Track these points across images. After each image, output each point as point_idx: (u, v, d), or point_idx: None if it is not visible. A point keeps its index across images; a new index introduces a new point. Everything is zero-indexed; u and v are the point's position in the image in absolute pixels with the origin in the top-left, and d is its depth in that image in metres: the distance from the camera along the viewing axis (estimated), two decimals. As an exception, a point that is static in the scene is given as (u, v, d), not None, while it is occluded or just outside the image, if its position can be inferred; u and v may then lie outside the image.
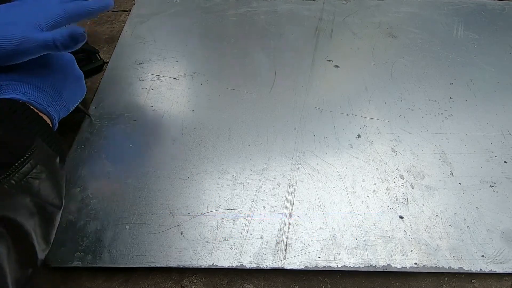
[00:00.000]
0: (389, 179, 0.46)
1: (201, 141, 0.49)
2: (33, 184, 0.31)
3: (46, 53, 0.36)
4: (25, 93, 0.37)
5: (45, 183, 0.32)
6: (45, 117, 0.37)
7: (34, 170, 0.31)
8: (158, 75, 0.57)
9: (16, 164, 0.30)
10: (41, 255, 0.32)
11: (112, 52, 0.61)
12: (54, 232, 0.35)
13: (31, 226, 0.30)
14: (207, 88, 0.56)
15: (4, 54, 0.34)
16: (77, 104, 0.43)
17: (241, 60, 0.60)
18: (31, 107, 0.36)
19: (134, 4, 0.70)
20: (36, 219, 0.31)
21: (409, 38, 0.65)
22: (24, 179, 0.30)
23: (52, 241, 0.34)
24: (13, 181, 0.29)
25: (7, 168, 0.29)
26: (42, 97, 0.38)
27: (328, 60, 0.60)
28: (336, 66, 0.59)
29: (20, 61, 0.36)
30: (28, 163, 0.31)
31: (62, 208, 0.36)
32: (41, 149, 0.33)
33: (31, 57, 0.36)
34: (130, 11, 0.69)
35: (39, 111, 0.37)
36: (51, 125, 0.38)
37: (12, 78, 0.37)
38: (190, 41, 0.63)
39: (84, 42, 0.37)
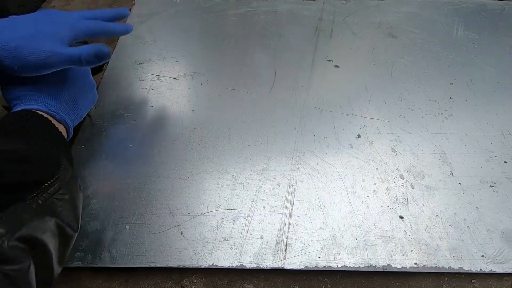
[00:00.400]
0: (389, 179, 0.46)
1: (201, 141, 0.49)
2: (57, 205, 0.31)
3: (67, 66, 0.37)
4: (46, 104, 0.37)
5: (67, 205, 0.33)
6: (61, 128, 0.38)
7: (60, 191, 0.32)
8: (158, 75, 0.57)
9: (46, 184, 0.30)
10: (55, 275, 0.32)
11: (112, 52, 0.61)
12: (67, 255, 0.35)
13: (53, 247, 0.31)
14: (207, 88, 0.56)
15: (31, 67, 0.35)
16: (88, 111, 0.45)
17: (241, 60, 0.60)
18: (50, 118, 0.36)
19: (134, 4, 0.70)
20: (57, 240, 0.31)
21: (409, 38, 0.65)
22: (50, 199, 0.31)
23: (64, 264, 0.34)
24: (40, 201, 0.30)
25: (36, 188, 0.30)
26: (61, 108, 0.39)
27: (328, 60, 0.60)
28: (336, 66, 0.59)
29: (44, 73, 0.36)
30: (56, 184, 0.31)
31: (78, 232, 0.36)
32: (67, 170, 0.33)
33: (54, 70, 0.36)
34: (130, 11, 0.69)
35: (57, 121, 0.38)
36: (66, 135, 0.39)
37: (31, 88, 0.37)
38: (190, 41, 0.63)
39: (108, 59, 0.38)
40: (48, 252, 0.30)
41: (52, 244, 0.30)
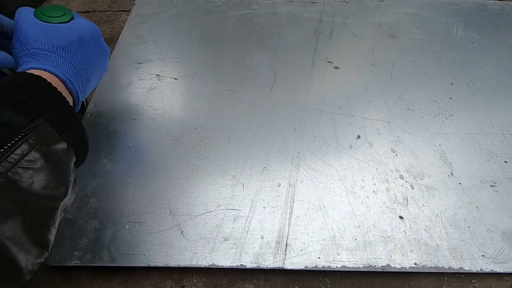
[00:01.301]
0: (388, 179, 0.46)
1: (201, 141, 0.49)
2: (23, 176, 0.25)
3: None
4: (62, 69, 0.35)
5: (40, 174, 0.27)
6: (69, 98, 0.36)
7: (26, 157, 0.26)
8: (158, 75, 0.57)
9: (2, 150, 0.24)
10: (31, 264, 0.26)
11: (112, 52, 0.61)
12: (52, 230, 0.29)
13: (6, 232, 0.24)
14: (207, 89, 0.56)
15: None
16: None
17: (241, 61, 0.60)
18: (55, 83, 0.32)
19: (134, 4, 0.70)
20: (17, 220, 0.25)
21: (409, 39, 0.65)
22: (12, 169, 0.25)
23: (51, 241, 0.29)
24: None
25: None
26: (75, 77, 0.37)
27: (328, 61, 0.60)
28: (336, 67, 0.59)
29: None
30: (19, 149, 0.25)
31: (69, 198, 0.30)
32: (40, 131, 0.27)
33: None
34: (130, 11, 0.69)
35: (69, 90, 0.36)
36: (71, 106, 0.35)
37: (51, 48, 0.36)
38: (191, 42, 0.63)
39: None
40: (8, 257, 0.24)
41: (10, 229, 0.24)
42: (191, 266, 0.39)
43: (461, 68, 0.60)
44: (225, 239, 0.40)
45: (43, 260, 0.27)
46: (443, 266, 0.39)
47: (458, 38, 0.65)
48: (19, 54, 0.35)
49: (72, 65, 0.36)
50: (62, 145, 0.30)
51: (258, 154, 0.48)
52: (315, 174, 0.46)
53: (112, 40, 0.64)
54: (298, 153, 0.48)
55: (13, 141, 0.25)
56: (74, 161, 0.32)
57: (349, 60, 0.61)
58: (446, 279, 0.40)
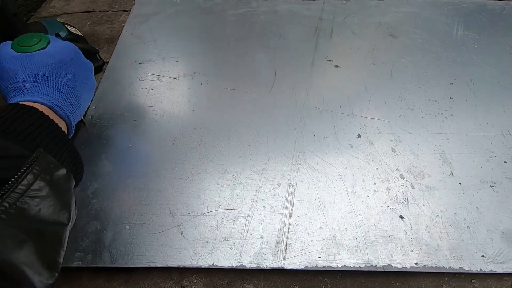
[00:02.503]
0: (389, 179, 0.46)
1: (201, 141, 0.49)
2: (31, 205, 0.27)
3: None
4: (48, 96, 0.36)
5: (46, 201, 0.28)
6: (62, 123, 0.36)
7: (32, 187, 0.27)
8: (158, 75, 0.57)
9: (10, 182, 0.26)
10: (44, 285, 0.28)
11: (112, 52, 0.61)
12: (61, 253, 0.30)
13: (20, 257, 0.25)
14: (207, 88, 0.56)
15: None
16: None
17: (241, 60, 0.60)
18: (46, 112, 0.34)
19: (134, 4, 0.70)
20: (30, 245, 0.26)
21: (409, 38, 0.65)
22: (21, 199, 0.26)
23: (60, 263, 0.30)
24: (6, 204, 0.25)
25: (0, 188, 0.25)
26: (63, 102, 0.37)
27: (328, 60, 0.60)
28: (336, 66, 0.59)
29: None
30: (25, 179, 0.27)
31: (71, 222, 0.31)
32: (42, 161, 0.29)
33: None
34: (130, 11, 0.69)
35: (59, 116, 0.36)
36: (67, 133, 0.36)
37: (33, 78, 0.36)
38: (190, 41, 0.63)
39: None
40: (11, 268, 0.25)
41: (18, 255, 0.25)
42: (191, 266, 0.39)
43: (461, 68, 0.60)
44: (225, 239, 0.40)
45: (53, 281, 0.29)
46: (443, 266, 0.39)
47: (458, 38, 0.65)
48: (4, 90, 0.36)
49: (57, 90, 0.37)
50: (62, 171, 0.31)
51: (258, 153, 0.48)
52: (316, 173, 0.46)
53: (112, 40, 0.64)
54: (298, 152, 0.48)
55: (19, 173, 0.26)
56: (73, 185, 0.33)
57: (350, 59, 0.61)
58: (446, 279, 0.40)
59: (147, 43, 0.62)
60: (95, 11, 0.71)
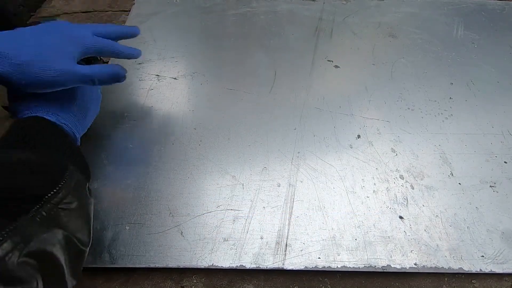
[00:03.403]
0: (389, 179, 0.46)
1: (201, 141, 0.49)
2: (62, 216, 0.29)
3: (79, 85, 0.36)
4: (56, 115, 0.36)
5: (74, 215, 0.30)
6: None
7: (65, 200, 0.29)
8: (158, 75, 0.57)
9: (49, 195, 0.28)
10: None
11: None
12: (81, 267, 0.32)
13: (64, 260, 0.29)
14: (207, 88, 0.55)
15: (40, 85, 0.34)
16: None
17: (241, 60, 0.60)
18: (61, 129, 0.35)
19: (134, 4, 0.70)
20: (67, 253, 0.29)
21: (409, 38, 0.65)
22: (54, 209, 0.28)
23: (79, 276, 0.32)
24: (44, 213, 0.28)
25: (39, 199, 0.28)
26: (71, 120, 0.38)
27: (328, 60, 0.60)
28: (336, 66, 0.59)
29: (53, 90, 0.35)
30: (60, 193, 0.29)
31: (90, 245, 0.33)
32: (73, 176, 0.31)
33: (63, 88, 0.35)
34: (130, 11, 0.69)
35: (66, 133, 0.37)
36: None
37: (40, 100, 0.36)
38: (190, 41, 0.63)
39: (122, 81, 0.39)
40: (59, 266, 0.28)
41: (62, 257, 0.28)
42: (191, 266, 0.39)
43: (461, 68, 0.60)
44: (225, 240, 0.40)
45: None
46: (443, 267, 0.39)
47: (458, 38, 0.65)
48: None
49: (66, 108, 0.38)
50: (87, 187, 0.34)
51: (258, 153, 0.48)
52: (315, 174, 0.46)
53: (111, 40, 0.64)
54: (298, 152, 0.48)
55: (57, 188, 0.29)
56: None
57: (349, 59, 0.61)
58: (446, 279, 0.40)
59: (147, 43, 0.62)
60: (95, 11, 0.71)
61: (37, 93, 0.36)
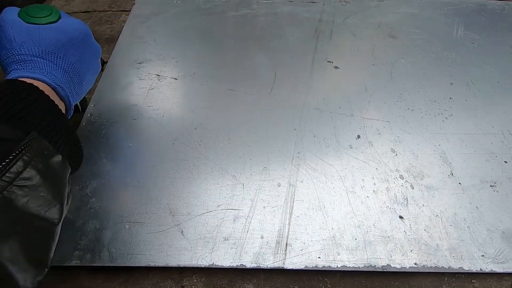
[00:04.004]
0: (388, 179, 0.46)
1: (201, 141, 0.49)
2: (18, 195, 0.24)
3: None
4: (52, 75, 0.33)
5: (36, 191, 0.26)
6: (61, 105, 0.34)
7: (22, 175, 0.25)
8: (158, 75, 0.57)
9: None
10: (30, 282, 0.26)
11: (112, 52, 0.61)
12: (50, 249, 0.28)
13: (5, 253, 0.24)
14: (207, 89, 0.56)
15: None
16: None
17: (241, 61, 0.60)
18: (47, 92, 0.31)
19: (134, 4, 0.70)
20: (16, 240, 0.24)
21: (409, 39, 0.65)
22: (8, 188, 0.24)
23: (51, 257, 0.28)
24: None
25: None
26: (67, 83, 0.35)
27: (328, 61, 0.60)
28: (336, 67, 0.60)
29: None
30: (14, 166, 0.24)
31: (62, 220, 0.29)
32: (35, 146, 0.26)
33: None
34: (130, 11, 0.69)
35: (60, 97, 0.34)
36: (66, 114, 0.34)
37: (39, 53, 0.33)
38: (191, 42, 0.63)
39: None
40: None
41: (2, 250, 0.23)
42: (191, 266, 0.39)
43: (461, 68, 0.60)
44: (225, 239, 0.40)
45: (42, 277, 0.27)
46: (443, 266, 0.39)
47: (458, 38, 0.65)
48: (5, 61, 0.34)
49: (63, 70, 0.35)
50: (57, 158, 0.29)
51: (258, 154, 0.48)
52: (315, 174, 0.46)
53: (112, 40, 0.64)
54: (298, 153, 0.48)
55: (7, 160, 0.24)
56: (69, 172, 0.31)
57: (349, 60, 0.61)
58: (446, 279, 0.40)
59: (147, 43, 0.62)
60: (95, 11, 0.71)
61: (29, 44, 0.33)
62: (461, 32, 0.66)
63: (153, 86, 0.55)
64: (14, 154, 0.25)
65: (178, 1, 0.71)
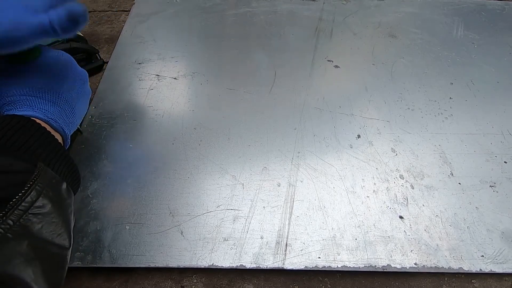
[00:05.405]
0: (389, 179, 0.46)
1: (201, 141, 0.49)
2: (34, 222, 0.26)
3: (43, 38, 0.31)
4: (43, 110, 0.34)
5: (48, 218, 0.27)
6: (57, 136, 0.34)
7: (36, 204, 0.26)
8: (158, 75, 0.57)
9: (14, 199, 0.25)
10: None
11: (112, 52, 0.61)
12: (63, 272, 0.30)
13: (30, 275, 0.25)
14: (207, 88, 0.55)
15: None
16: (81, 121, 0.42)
17: (241, 60, 0.60)
18: (42, 125, 0.32)
19: (134, 4, 0.70)
20: (37, 264, 0.26)
21: (409, 38, 0.65)
22: (24, 216, 0.25)
23: (63, 282, 0.30)
24: (10, 221, 0.24)
25: (3, 206, 0.24)
26: (58, 114, 0.35)
27: (328, 60, 0.60)
28: (336, 66, 0.59)
29: (14, 50, 0.31)
30: (29, 196, 0.26)
31: (71, 244, 0.31)
32: (44, 176, 0.28)
33: (26, 45, 0.31)
34: (130, 11, 0.69)
35: (54, 129, 0.34)
36: (62, 145, 0.35)
37: (27, 92, 0.34)
38: (190, 41, 0.63)
39: (86, 23, 0.31)
40: (21, 284, 0.25)
41: (27, 272, 0.25)
42: (191, 266, 0.39)
43: (461, 68, 0.60)
44: (225, 239, 0.40)
45: None
46: (443, 266, 0.39)
47: (458, 38, 0.65)
48: None
49: (52, 102, 0.35)
50: (63, 186, 0.30)
51: (258, 153, 0.48)
52: (315, 173, 0.46)
53: (112, 40, 0.64)
54: (298, 152, 0.48)
55: (23, 191, 0.26)
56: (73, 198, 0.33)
57: (349, 59, 0.61)
58: (446, 279, 0.40)
59: (147, 43, 0.62)
60: (95, 11, 0.71)
61: (20, 84, 0.33)
62: (461, 32, 0.66)
63: (153, 87, 0.55)
64: (29, 185, 0.26)
65: (177, 0, 0.71)
